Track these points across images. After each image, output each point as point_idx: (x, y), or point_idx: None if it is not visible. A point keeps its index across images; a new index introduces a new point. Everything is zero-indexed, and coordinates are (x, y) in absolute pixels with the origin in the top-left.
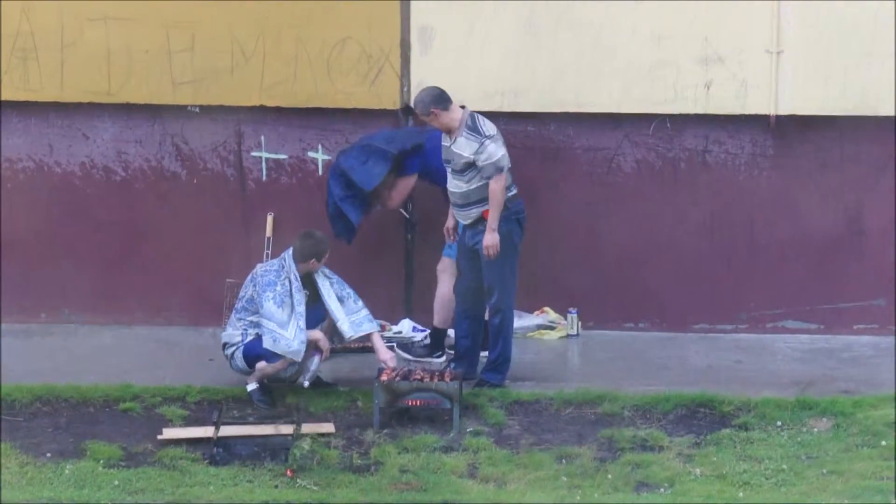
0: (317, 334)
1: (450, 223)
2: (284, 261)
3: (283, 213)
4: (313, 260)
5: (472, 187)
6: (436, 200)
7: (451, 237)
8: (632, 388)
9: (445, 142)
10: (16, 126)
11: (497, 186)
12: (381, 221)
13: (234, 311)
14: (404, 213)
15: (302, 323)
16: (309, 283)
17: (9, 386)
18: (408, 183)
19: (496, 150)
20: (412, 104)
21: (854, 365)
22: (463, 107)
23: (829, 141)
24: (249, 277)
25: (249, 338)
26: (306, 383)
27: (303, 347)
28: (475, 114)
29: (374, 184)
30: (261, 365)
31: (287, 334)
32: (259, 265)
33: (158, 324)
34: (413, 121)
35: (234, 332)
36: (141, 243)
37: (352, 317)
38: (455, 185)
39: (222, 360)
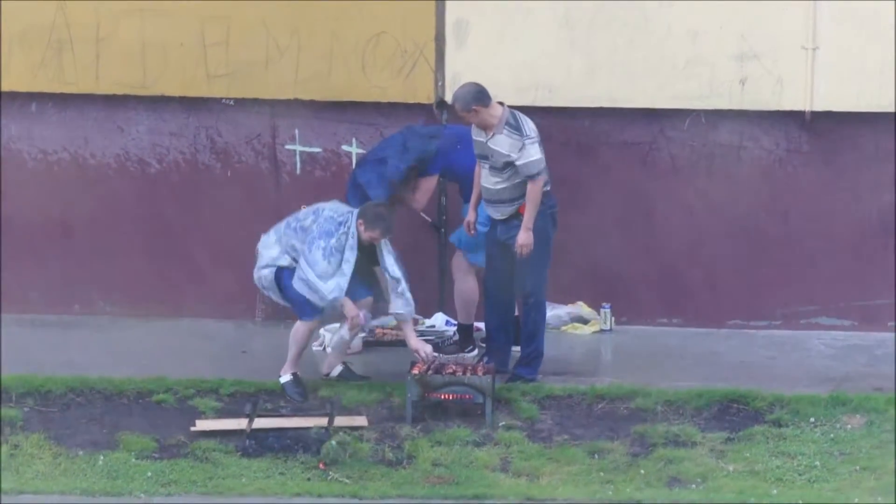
0: (355, 310)
1: (471, 217)
2: (350, 217)
3: None
4: (375, 231)
5: (509, 184)
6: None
7: (472, 231)
8: (664, 383)
9: (480, 137)
10: (51, 118)
11: (536, 188)
12: (415, 216)
13: (284, 224)
14: (426, 217)
15: (343, 283)
16: (364, 250)
17: (42, 377)
18: (430, 183)
19: (535, 152)
20: (451, 101)
21: (888, 362)
22: (501, 103)
23: (864, 137)
24: (313, 210)
25: (284, 263)
26: (335, 373)
27: (333, 300)
28: (516, 111)
29: (387, 194)
30: (297, 328)
31: (324, 287)
32: (327, 205)
33: (192, 316)
34: (447, 115)
35: (277, 248)
36: (175, 236)
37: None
38: (492, 181)
39: (255, 353)
